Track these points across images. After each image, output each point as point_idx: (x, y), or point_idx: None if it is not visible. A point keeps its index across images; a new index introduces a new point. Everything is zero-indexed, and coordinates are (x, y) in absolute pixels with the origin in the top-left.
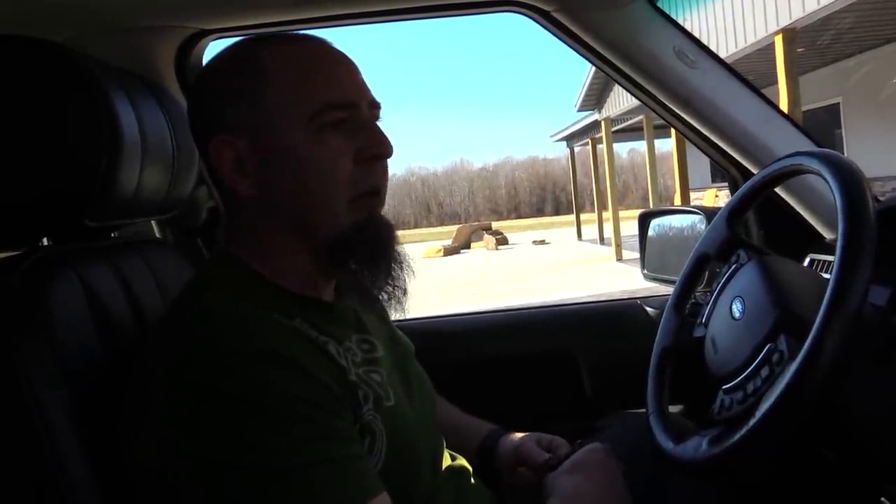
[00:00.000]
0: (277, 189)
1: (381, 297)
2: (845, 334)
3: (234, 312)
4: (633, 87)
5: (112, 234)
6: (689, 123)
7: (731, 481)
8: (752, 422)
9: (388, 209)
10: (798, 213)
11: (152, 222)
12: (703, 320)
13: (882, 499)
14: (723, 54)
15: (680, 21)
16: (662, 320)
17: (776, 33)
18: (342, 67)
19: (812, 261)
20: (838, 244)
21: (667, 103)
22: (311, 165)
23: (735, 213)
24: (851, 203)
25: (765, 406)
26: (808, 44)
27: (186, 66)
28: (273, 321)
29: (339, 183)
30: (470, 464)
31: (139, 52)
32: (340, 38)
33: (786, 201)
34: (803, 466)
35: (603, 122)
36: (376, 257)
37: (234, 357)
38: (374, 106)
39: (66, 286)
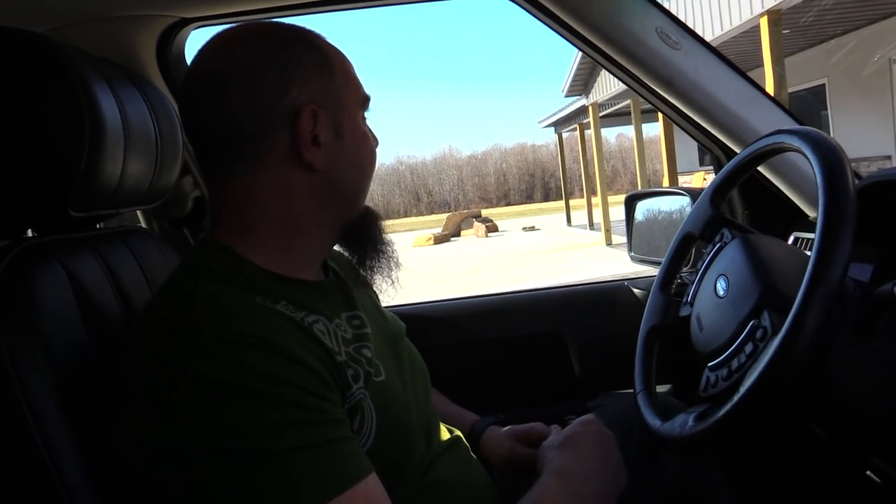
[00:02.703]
0: (343, 163)
1: (375, 277)
2: (827, 308)
3: (215, 297)
4: (617, 69)
5: (98, 225)
6: (674, 105)
7: (719, 457)
8: (736, 397)
9: (377, 198)
10: (782, 191)
11: (138, 212)
12: (689, 299)
13: (868, 472)
14: (708, 37)
15: (665, 5)
16: (649, 300)
17: (761, 15)
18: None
19: (796, 239)
20: (819, 220)
21: (650, 85)
22: (365, 146)
23: (719, 192)
24: (832, 179)
25: (749, 381)
26: (793, 25)
27: (168, 54)
28: (256, 305)
29: (374, 166)
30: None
31: (121, 42)
32: (323, 24)
33: (770, 180)
34: (789, 441)
35: (590, 108)
36: (379, 240)
37: (214, 341)
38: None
39: (51, 277)
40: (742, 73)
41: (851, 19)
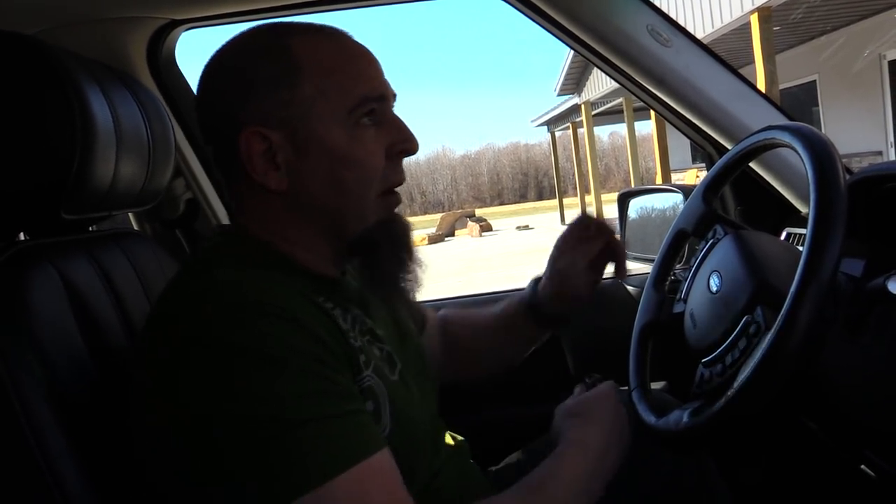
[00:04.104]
0: (310, 182)
1: (393, 289)
2: (819, 303)
3: (237, 272)
4: (609, 67)
5: (90, 228)
6: (665, 102)
7: (713, 453)
8: (730, 393)
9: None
10: (774, 187)
11: (129, 215)
12: (682, 296)
13: (862, 466)
14: (700, 35)
15: (656, 3)
16: (642, 297)
17: (752, 12)
18: (370, 59)
19: (789, 234)
20: (810, 215)
21: (642, 83)
22: (347, 160)
23: (711, 188)
24: (822, 175)
25: (742, 377)
26: (784, 22)
27: (158, 56)
28: (276, 281)
29: (373, 178)
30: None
31: (111, 44)
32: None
33: (762, 176)
34: (785, 436)
35: (583, 106)
36: (397, 255)
37: (236, 308)
38: (394, 97)
39: (43, 280)
40: (733, 70)
41: (840, 16)
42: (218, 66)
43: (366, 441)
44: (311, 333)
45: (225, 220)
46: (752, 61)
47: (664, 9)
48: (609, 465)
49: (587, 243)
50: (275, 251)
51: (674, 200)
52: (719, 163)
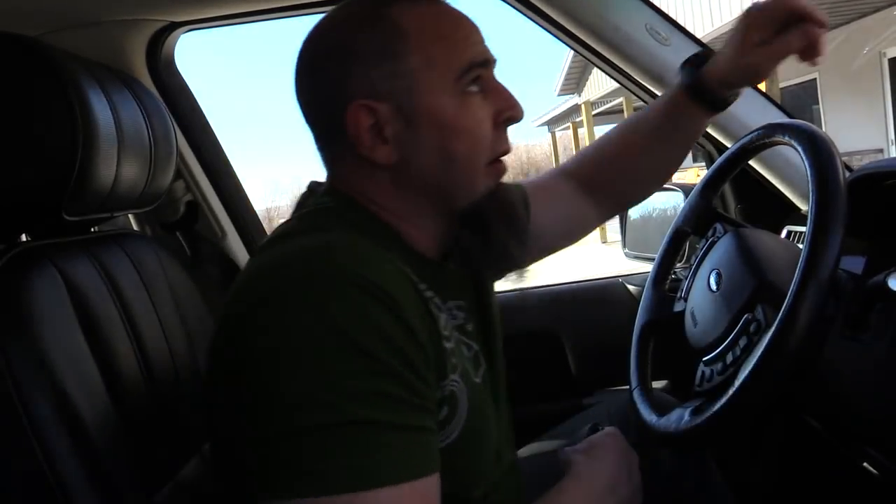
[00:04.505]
0: (419, 155)
1: (504, 261)
2: (819, 301)
3: (355, 243)
4: (608, 66)
5: (92, 229)
6: None
7: (715, 452)
8: (731, 391)
9: None
10: (774, 185)
11: (130, 217)
12: (683, 294)
13: (864, 464)
14: (699, 34)
15: (655, 2)
16: (643, 297)
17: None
18: (471, 23)
19: (789, 232)
20: (810, 213)
21: (641, 81)
22: (457, 129)
23: (710, 186)
24: (822, 172)
25: (743, 375)
26: None
27: (158, 58)
28: (388, 260)
29: (483, 147)
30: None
31: (111, 47)
32: (310, 24)
33: (761, 174)
34: (786, 434)
35: (583, 106)
36: (507, 226)
37: (346, 282)
38: (494, 63)
39: (45, 280)
40: None
41: (840, 13)
42: (318, 41)
43: (420, 463)
44: (411, 333)
45: (226, 222)
46: None
47: (663, 7)
48: (615, 502)
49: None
50: (384, 224)
51: (674, 199)
52: (719, 161)
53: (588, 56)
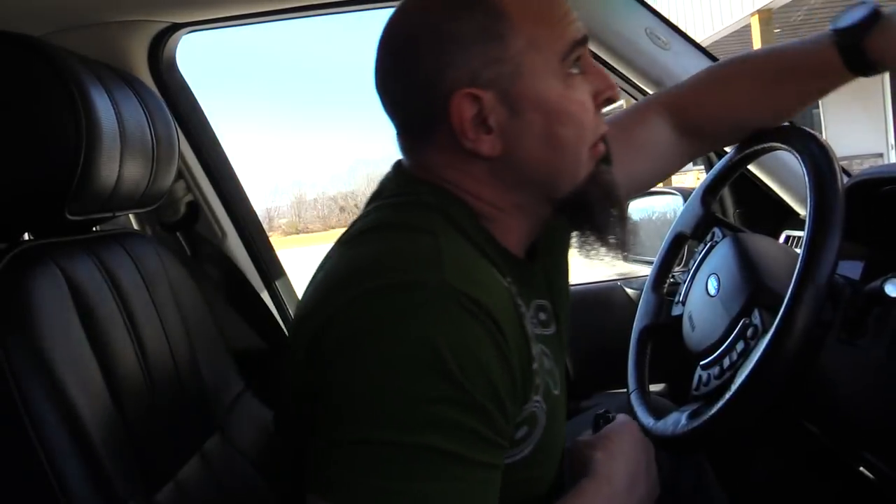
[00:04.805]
0: (524, 143)
1: (608, 246)
2: (816, 307)
3: (458, 254)
4: (607, 69)
5: (94, 228)
6: None
7: (712, 456)
8: (727, 395)
9: (340, 201)
10: (773, 190)
11: (130, 216)
12: (681, 298)
13: (861, 468)
14: (700, 37)
15: (655, 5)
16: (641, 300)
17: (752, 14)
18: (564, 1)
19: (788, 237)
20: (808, 219)
21: (640, 85)
22: (564, 115)
23: (709, 191)
24: (820, 179)
25: (740, 379)
26: (784, 24)
27: (160, 59)
28: (493, 275)
29: (588, 131)
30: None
31: (113, 47)
32: (308, 27)
33: (760, 179)
34: (784, 439)
35: None
36: (610, 209)
37: (454, 305)
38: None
39: (47, 279)
40: None
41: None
42: (407, 26)
43: (476, 499)
44: (508, 367)
45: (226, 222)
46: None
47: (663, 11)
48: (636, 500)
49: None
50: (479, 219)
51: (673, 203)
52: (718, 166)
53: None
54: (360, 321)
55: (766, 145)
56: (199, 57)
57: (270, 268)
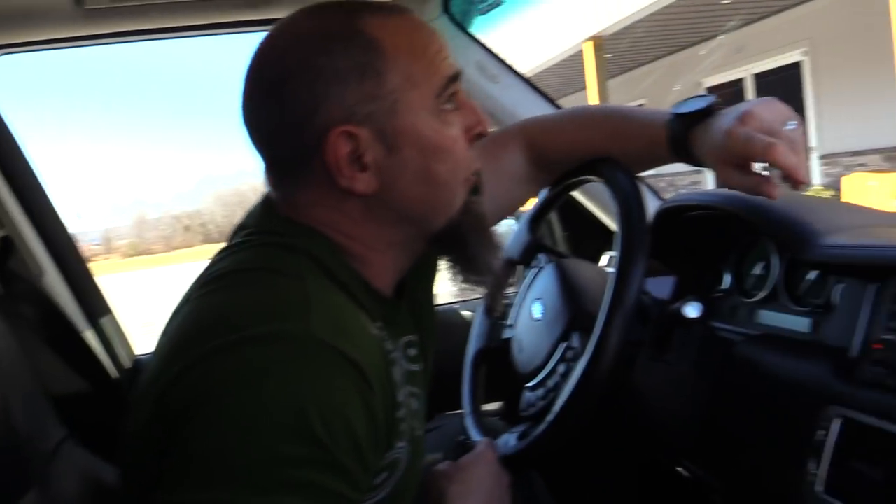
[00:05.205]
0: (400, 180)
1: (484, 274)
2: (625, 328)
3: (326, 300)
4: None
5: None
6: None
7: (543, 473)
8: (550, 416)
9: (219, 219)
10: (595, 215)
11: None
12: (512, 322)
13: (678, 469)
14: (539, 61)
15: (491, 33)
16: (474, 324)
17: (586, 41)
18: (439, 37)
19: (611, 258)
20: (617, 248)
21: None
22: (440, 151)
23: (535, 219)
24: (627, 210)
25: (561, 400)
26: (615, 51)
27: None
28: (362, 323)
29: (463, 166)
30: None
31: None
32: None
33: (585, 205)
34: (612, 451)
35: None
36: (483, 239)
37: (326, 364)
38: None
39: None
40: (555, 104)
41: (663, 46)
42: (279, 59)
43: None
44: (373, 421)
45: (45, 258)
46: (584, 87)
47: (502, 36)
48: None
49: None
50: (348, 260)
51: (509, 226)
52: (541, 196)
53: None
54: (218, 376)
55: (582, 178)
56: (24, 75)
57: (95, 304)
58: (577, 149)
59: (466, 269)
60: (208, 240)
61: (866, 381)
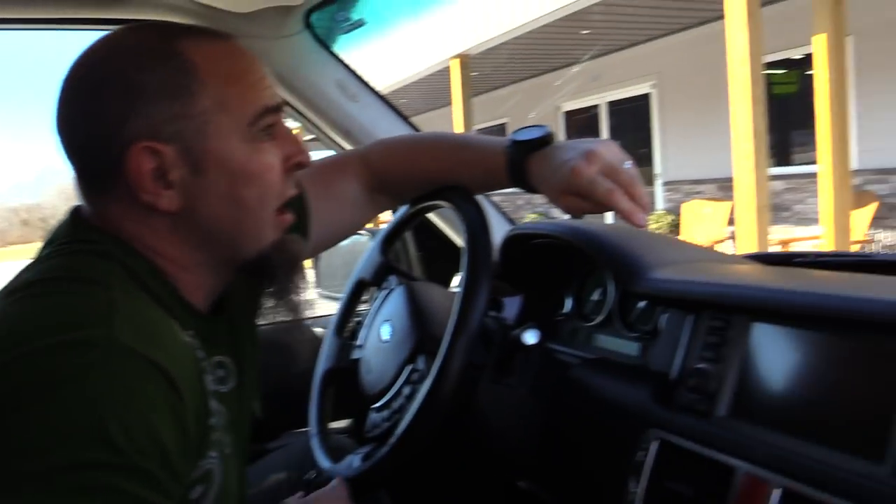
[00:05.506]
0: (206, 201)
1: (286, 310)
2: (468, 352)
3: (139, 307)
4: (299, 116)
5: None
6: None
7: (390, 495)
8: (393, 439)
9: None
10: (449, 237)
11: None
12: (361, 343)
13: (520, 483)
14: (406, 75)
15: (362, 46)
16: (324, 343)
17: (453, 58)
18: (261, 66)
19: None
20: (462, 274)
21: (330, 134)
22: (248, 177)
23: (387, 241)
24: (473, 237)
25: (404, 422)
26: (481, 69)
27: None
28: (172, 328)
29: (272, 194)
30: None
31: None
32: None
33: (437, 226)
34: (460, 472)
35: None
36: (291, 276)
37: (125, 359)
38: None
39: None
40: (412, 125)
41: (525, 69)
42: (94, 69)
43: None
44: (182, 428)
45: None
46: (449, 104)
47: (370, 51)
48: None
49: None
50: (161, 274)
51: (361, 241)
52: (394, 218)
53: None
54: (18, 384)
55: (433, 203)
56: None
57: None
58: (416, 176)
59: (273, 299)
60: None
61: (682, 405)
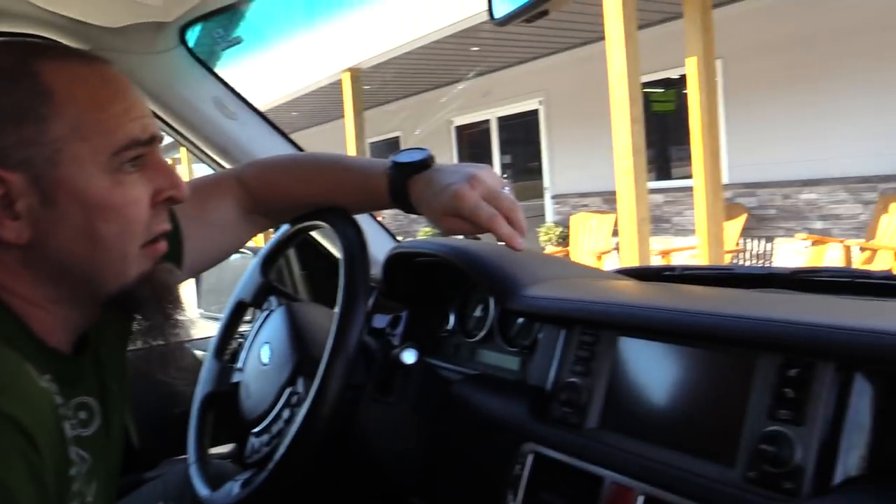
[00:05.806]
0: (58, 235)
1: (159, 342)
2: (346, 373)
3: None
4: (175, 133)
5: None
6: None
7: None
8: (271, 464)
9: None
10: (331, 254)
11: None
12: (241, 366)
13: (412, 499)
14: (298, 87)
15: (247, 61)
16: (203, 367)
17: (344, 71)
18: (135, 95)
19: None
20: (339, 296)
21: (207, 151)
22: (107, 211)
23: (267, 261)
24: (350, 258)
25: (283, 446)
26: (373, 83)
27: None
28: (26, 374)
29: (136, 229)
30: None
31: None
32: None
33: (321, 245)
34: (344, 493)
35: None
36: (162, 309)
37: None
38: (160, 140)
39: None
40: (294, 143)
41: (417, 84)
42: None
43: None
44: (40, 482)
45: None
46: (341, 116)
47: (255, 65)
48: None
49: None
50: (9, 312)
51: (244, 260)
52: (273, 238)
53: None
54: None
55: (313, 223)
56: None
57: None
58: (295, 197)
59: (144, 333)
60: None
61: (556, 419)
